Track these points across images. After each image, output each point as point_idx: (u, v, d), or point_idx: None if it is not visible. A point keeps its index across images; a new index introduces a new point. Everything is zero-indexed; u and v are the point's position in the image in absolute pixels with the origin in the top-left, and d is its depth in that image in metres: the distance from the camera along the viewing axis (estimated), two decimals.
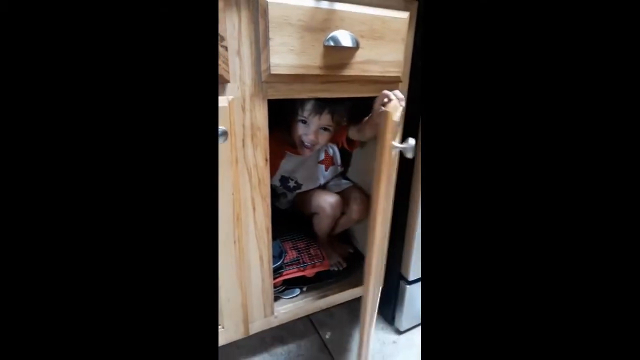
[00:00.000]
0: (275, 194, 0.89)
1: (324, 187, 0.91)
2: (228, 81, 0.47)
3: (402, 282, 0.79)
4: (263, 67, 0.49)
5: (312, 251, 0.86)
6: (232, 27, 0.46)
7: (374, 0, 0.54)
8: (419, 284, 0.78)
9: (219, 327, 0.60)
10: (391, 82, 0.64)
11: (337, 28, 0.51)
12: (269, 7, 0.45)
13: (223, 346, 0.63)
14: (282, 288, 0.77)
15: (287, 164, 0.83)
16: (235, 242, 0.55)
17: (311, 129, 0.72)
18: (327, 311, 0.78)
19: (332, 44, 0.51)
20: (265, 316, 0.69)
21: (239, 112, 0.50)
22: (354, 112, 0.73)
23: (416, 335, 0.83)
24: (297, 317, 0.73)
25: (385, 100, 0.53)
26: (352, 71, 0.56)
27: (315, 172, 0.88)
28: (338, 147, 0.87)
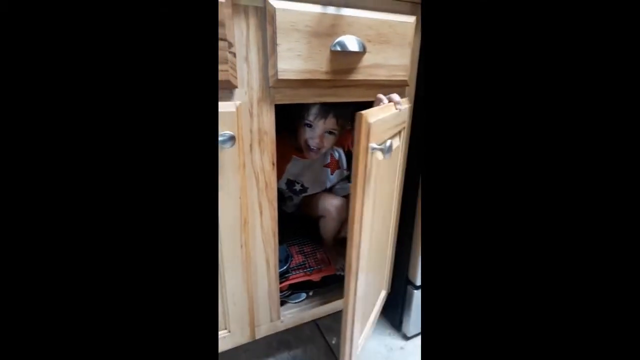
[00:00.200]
0: (281, 198, 0.90)
1: (330, 191, 0.91)
2: (236, 87, 0.48)
3: (409, 287, 0.78)
4: (270, 72, 0.49)
5: (318, 255, 0.86)
6: (240, 34, 0.46)
7: (380, 5, 0.54)
8: None
9: (225, 330, 0.60)
10: (398, 86, 0.64)
11: (344, 33, 0.51)
12: (277, 13, 0.45)
13: (229, 350, 0.63)
14: (288, 292, 0.77)
15: (293, 168, 0.83)
16: (242, 246, 0.55)
17: (317, 133, 0.72)
18: (334, 316, 0.77)
19: (339, 48, 0.51)
20: (272, 320, 0.68)
21: (247, 117, 0.51)
22: None
23: None
24: (303, 322, 0.73)
25: (381, 104, 0.53)
26: (358, 75, 0.56)
27: (321, 176, 0.88)
28: (344, 150, 0.87)
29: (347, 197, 0.84)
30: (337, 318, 0.77)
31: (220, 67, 0.45)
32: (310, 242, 0.90)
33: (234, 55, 0.46)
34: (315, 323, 0.86)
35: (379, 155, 0.43)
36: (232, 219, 0.53)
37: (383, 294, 0.77)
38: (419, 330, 0.83)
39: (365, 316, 0.63)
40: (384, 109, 0.49)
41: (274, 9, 0.45)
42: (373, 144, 0.43)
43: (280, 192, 0.85)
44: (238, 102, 0.48)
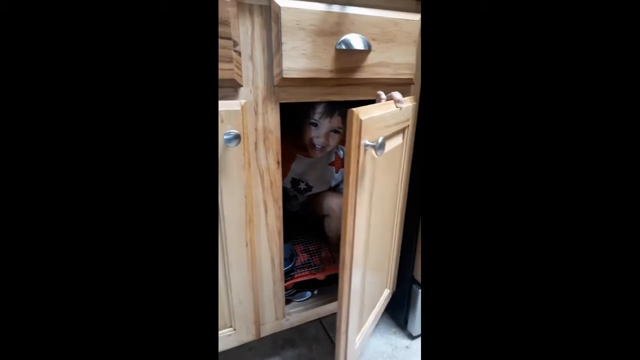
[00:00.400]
0: (286, 197, 0.90)
1: (334, 189, 0.91)
2: (241, 85, 0.48)
3: (414, 286, 0.78)
4: (275, 71, 0.49)
5: (323, 254, 0.86)
6: (245, 33, 0.46)
7: (385, 3, 0.54)
8: None
9: (230, 328, 0.61)
10: (403, 84, 0.63)
11: (348, 31, 0.51)
12: (282, 12, 0.45)
13: (234, 348, 0.63)
14: (293, 291, 0.77)
15: (298, 166, 0.84)
16: (247, 245, 0.56)
17: (322, 132, 0.72)
18: None
19: (344, 47, 0.51)
20: (277, 319, 0.69)
21: (252, 115, 0.51)
22: None
23: None
24: (308, 320, 0.73)
25: (382, 101, 0.53)
26: (363, 74, 0.56)
27: (326, 174, 0.88)
28: None
29: None
30: None
31: (225, 65, 0.45)
32: (315, 240, 0.90)
33: (239, 54, 0.46)
34: (320, 321, 0.86)
35: (379, 151, 0.43)
36: (237, 217, 0.53)
37: (386, 293, 0.76)
38: None
39: (364, 313, 0.63)
40: (381, 106, 0.49)
41: (279, 7, 0.45)
42: (366, 141, 0.43)
43: (285, 191, 0.85)
44: (243, 101, 0.48)
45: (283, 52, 0.48)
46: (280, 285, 0.66)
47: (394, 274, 0.78)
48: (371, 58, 0.55)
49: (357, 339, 0.62)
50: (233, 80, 0.46)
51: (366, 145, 0.43)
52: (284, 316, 0.69)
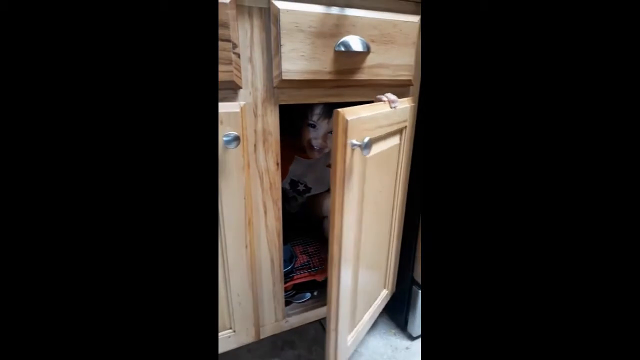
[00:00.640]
0: (286, 198, 0.90)
1: None
2: (240, 87, 0.48)
3: (414, 287, 0.78)
4: (275, 73, 0.49)
5: (322, 255, 0.86)
6: (244, 35, 0.46)
7: (384, 5, 0.54)
8: None
9: (230, 330, 0.61)
10: (402, 86, 0.64)
11: (347, 33, 0.51)
12: (281, 14, 0.46)
13: (234, 350, 0.63)
14: (293, 292, 0.77)
15: (296, 168, 0.84)
16: (246, 246, 0.56)
17: (320, 133, 0.72)
18: None
19: (342, 49, 0.51)
20: (276, 320, 0.69)
21: (251, 117, 0.51)
22: None
23: None
24: (307, 322, 0.73)
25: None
26: (363, 75, 0.56)
27: (325, 176, 0.88)
28: None
29: None
30: None
31: (224, 67, 0.45)
32: (315, 241, 0.90)
33: (238, 56, 0.46)
34: (320, 323, 0.86)
35: (365, 151, 0.44)
36: (236, 219, 0.53)
37: (384, 293, 0.76)
38: None
39: (357, 312, 0.63)
40: (372, 107, 0.50)
41: (278, 9, 0.45)
42: (353, 141, 0.43)
43: (284, 192, 0.85)
44: (242, 103, 0.48)
45: (282, 54, 0.48)
46: (280, 286, 0.66)
47: (393, 274, 0.78)
48: (370, 60, 0.55)
49: (349, 337, 0.62)
50: (232, 82, 0.46)
51: (353, 145, 0.44)
52: (283, 318, 0.69)
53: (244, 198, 0.52)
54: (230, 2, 0.42)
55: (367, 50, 0.53)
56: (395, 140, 0.60)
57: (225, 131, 0.46)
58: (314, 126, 0.72)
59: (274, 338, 0.80)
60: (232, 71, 0.46)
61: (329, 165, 0.88)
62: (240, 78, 0.48)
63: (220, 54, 0.44)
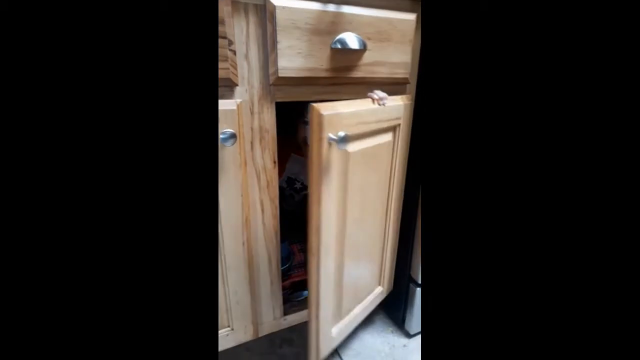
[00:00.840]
0: (282, 196, 0.90)
1: None
2: (237, 84, 0.48)
3: (412, 285, 0.78)
4: (271, 70, 0.49)
5: None
6: (240, 32, 0.46)
7: (380, 2, 0.54)
8: None
9: (228, 328, 0.61)
10: (398, 84, 0.64)
11: (344, 30, 0.51)
12: (277, 11, 0.45)
13: (232, 348, 0.63)
14: (291, 290, 0.77)
15: (293, 166, 0.84)
16: (244, 244, 0.56)
17: None
18: None
19: (339, 46, 0.51)
20: (274, 318, 0.69)
21: (248, 115, 0.51)
22: None
23: None
24: (306, 319, 0.73)
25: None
26: (359, 73, 0.56)
27: None
28: None
29: None
30: None
31: (220, 65, 0.45)
32: None
33: (234, 53, 0.46)
34: None
35: (340, 145, 0.46)
36: (233, 217, 0.53)
37: (378, 290, 0.76)
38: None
39: (343, 305, 0.64)
40: (355, 103, 0.50)
41: (274, 6, 0.45)
42: (330, 135, 0.45)
43: (281, 190, 0.85)
44: (239, 100, 0.48)
45: (278, 51, 0.48)
46: (278, 284, 0.66)
47: (390, 272, 0.78)
48: (367, 57, 0.55)
49: (334, 328, 0.63)
50: (228, 79, 0.46)
51: (330, 139, 0.45)
52: (281, 316, 0.69)
53: (241, 196, 0.52)
54: None
55: (363, 48, 0.53)
56: (386, 138, 0.60)
57: (221, 129, 0.46)
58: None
59: (272, 336, 0.80)
60: (228, 68, 0.45)
61: None
62: (237, 75, 0.47)
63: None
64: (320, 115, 0.44)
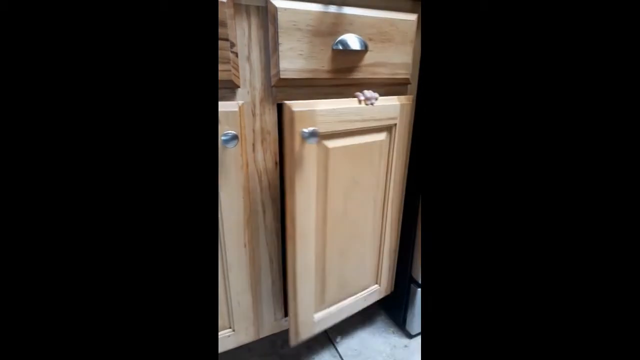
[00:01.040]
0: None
1: None
2: (238, 86, 0.48)
3: (413, 286, 0.78)
4: (272, 71, 0.49)
5: None
6: (242, 34, 0.46)
7: (381, 3, 0.54)
8: None
9: (229, 329, 0.61)
10: (400, 85, 0.64)
11: (345, 32, 0.51)
12: (278, 12, 0.46)
13: (234, 349, 0.63)
14: None
15: None
16: (245, 245, 0.56)
17: None
18: None
19: (340, 47, 0.51)
20: (276, 319, 0.69)
21: (249, 116, 0.51)
22: None
23: None
24: None
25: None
26: (360, 74, 0.56)
27: None
28: None
29: None
30: None
31: (222, 66, 0.45)
32: None
33: (236, 55, 0.46)
34: None
35: (310, 140, 0.49)
36: (235, 218, 0.53)
37: (374, 288, 0.76)
38: None
39: (327, 293, 0.66)
40: (337, 101, 0.52)
41: (276, 8, 0.45)
42: (302, 130, 0.48)
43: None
44: (241, 102, 0.48)
45: (280, 53, 0.48)
46: (279, 285, 0.66)
47: (388, 272, 0.78)
48: (368, 58, 0.55)
49: (317, 315, 0.66)
50: (230, 81, 0.46)
51: (302, 134, 0.48)
52: (282, 317, 0.69)
53: (243, 197, 0.52)
54: (227, 0, 0.42)
55: (364, 49, 0.53)
56: (378, 137, 0.60)
57: (223, 130, 0.46)
58: None
59: (273, 337, 0.80)
60: (230, 70, 0.45)
61: None
62: (238, 77, 0.47)
63: (219, 52, 0.44)
64: (291, 112, 0.47)
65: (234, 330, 0.61)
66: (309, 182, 0.53)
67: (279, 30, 0.46)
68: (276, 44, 0.47)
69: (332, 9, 0.49)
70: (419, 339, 0.82)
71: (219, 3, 0.42)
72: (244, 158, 0.51)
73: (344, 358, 0.77)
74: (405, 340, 0.82)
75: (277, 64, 0.48)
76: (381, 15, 0.54)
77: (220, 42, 0.43)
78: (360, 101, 0.54)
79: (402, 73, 0.61)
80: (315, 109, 0.49)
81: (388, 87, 0.62)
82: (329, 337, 0.83)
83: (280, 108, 0.53)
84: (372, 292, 0.76)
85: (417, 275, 0.76)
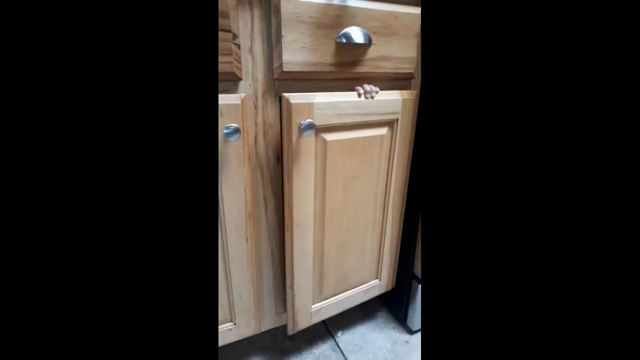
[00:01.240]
0: None
1: None
2: (240, 79, 0.48)
3: (414, 282, 0.78)
4: (275, 64, 0.49)
5: None
6: (244, 25, 0.46)
7: None
8: None
9: (231, 323, 0.61)
10: (404, 79, 0.63)
11: (349, 24, 0.51)
12: (281, 4, 0.45)
13: (235, 342, 0.63)
14: None
15: None
16: (247, 239, 0.56)
17: None
18: None
19: (344, 40, 0.50)
20: (277, 313, 0.69)
21: (252, 109, 0.51)
22: None
23: None
24: None
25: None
26: (364, 68, 0.56)
27: None
28: None
29: None
30: (342, 312, 0.78)
31: (224, 58, 0.44)
32: None
33: (239, 46, 0.46)
34: None
35: (307, 133, 0.50)
36: (237, 212, 0.53)
37: (374, 283, 0.76)
38: None
39: (325, 284, 0.68)
40: (334, 94, 0.52)
41: (279, 0, 0.45)
42: (300, 121, 0.49)
43: None
44: (243, 95, 0.48)
45: (283, 45, 0.47)
46: (281, 279, 0.66)
47: (389, 269, 0.78)
48: (372, 52, 0.55)
49: (315, 306, 0.67)
50: (232, 73, 0.46)
51: (300, 125, 0.49)
52: (284, 311, 0.70)
53: (245, 191, 0.52)
54: None
55: (368, 42, 0.53)
56: (379, 131, 0.60)
57: (225, 123, 0.46)
58: None
59: (274, 331, 0.80)
60: (232, 62, 0.45)
61: None
62: (241, 69, 0.47)
63: (220, 44, 0.43)
64: (289, 104, 0.48)
65: (235, 324, 0.61)
66: (307, 174, 0.54)
67: (282, 22, 0.46)
68: (279, 36, 0.47)
69: (336, 1, 0.49)
70: (419, 335, 0.83)
71: None
72: (245, 151, 0.50)
73: (344, 353, 0.77)
74: (406, 336, 0.82)
75: (279, 56, 0.48)
76: (385, 8, 0.53)
77: (222, 34, 0.43)
78: (359, 95, 0.54)
79: (406, 67, 0.60)
80: (313, 101, 0.49)
81: (392, 81, 0.62)
82: (329, 332, 0.83)
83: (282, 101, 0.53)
84: (373, 286, 0.76)
85: (419, 271, 0.76)
